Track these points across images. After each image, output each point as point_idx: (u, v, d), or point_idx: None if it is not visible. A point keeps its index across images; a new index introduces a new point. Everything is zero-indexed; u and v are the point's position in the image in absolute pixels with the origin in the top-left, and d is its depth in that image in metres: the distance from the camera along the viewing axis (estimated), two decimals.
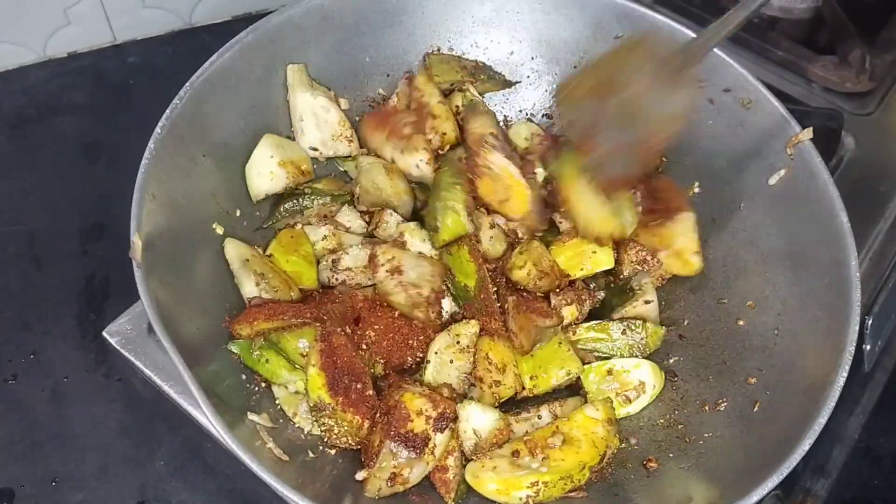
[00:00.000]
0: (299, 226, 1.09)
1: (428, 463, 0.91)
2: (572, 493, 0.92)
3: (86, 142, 1.33)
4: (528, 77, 1.24)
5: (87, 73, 1.42)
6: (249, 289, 0.99)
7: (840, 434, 1.12)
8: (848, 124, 1.28)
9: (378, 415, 0.93)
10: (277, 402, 0.96)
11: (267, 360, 0.96)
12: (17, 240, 1.22)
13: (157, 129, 0.93)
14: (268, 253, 1.06)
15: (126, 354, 1.05)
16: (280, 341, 0.95)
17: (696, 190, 1.15)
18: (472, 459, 0.94)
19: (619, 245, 1.12)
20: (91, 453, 1.05)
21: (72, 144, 1.33)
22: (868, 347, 1.13)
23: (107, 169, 1.30)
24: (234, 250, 1.02)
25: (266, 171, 1.08)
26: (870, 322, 1.12)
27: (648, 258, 1.10)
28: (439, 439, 0.91)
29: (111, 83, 1.41)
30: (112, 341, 1.06)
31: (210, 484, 1.04)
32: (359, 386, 0.94)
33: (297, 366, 0.96)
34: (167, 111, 0.95)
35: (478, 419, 0.95)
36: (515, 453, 0.93)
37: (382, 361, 1.00)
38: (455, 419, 0.94)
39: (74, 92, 1.39)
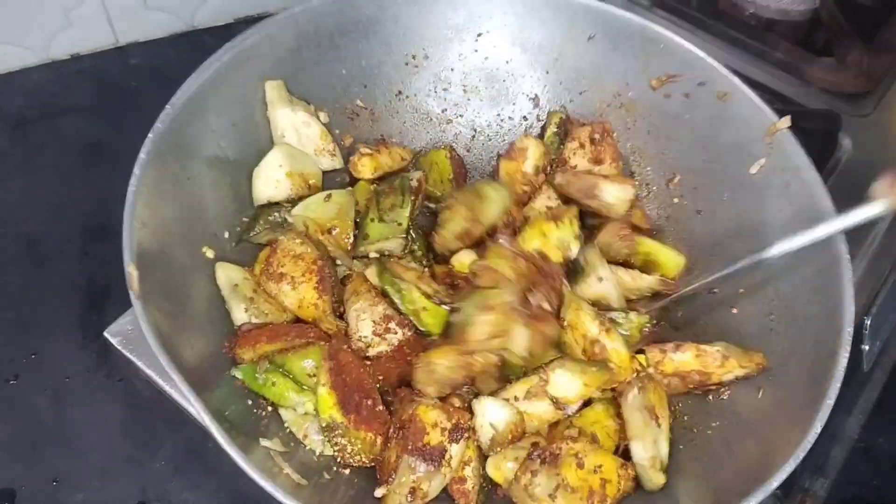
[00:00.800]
0: (281, 237, 1.06)
1: (445, 475, 0.91)
2: None
3: (88, 143, 1.34)
4: (504, 81, 1.25)
5: (89, 74, 1.43)
6: (239, 315, 0.99)
7: (839, 434, 1.12)
8: (846, 125, 1.28)
9: (392, 430, 0.93)
10: (286, 425, 0.95)
11: (273, 384, 0.94)
12: (18, 240, 1.22)
13: (142, 155, 0.92)
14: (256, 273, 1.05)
15: (127, 355, 1.05)
16: (286, 363, 0.94)
17: (677, 181, 1.16)
18: (489, 455, 0.95)
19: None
20: (92, 453, 1.05)
21: (74, 145, 1.33)
22: (867, 348, 1.13)
23: (108, 170, 1.30)
24: (224, 275, 1.01)
25: (272, 179, 1.07)
26: (868, 322, 1.12)
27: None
28: (455, 450, 0.91)
29: (113, 85, 1.42)
30: (113, 342, 1.07)
31: (211, 483, 1.04)
32: (369, 402, 0.93)
33: (304, 387, 0.94)
34: (149, 135, 0.94)
35: (493, 413, 0.96)
36: (535, 445, 0.93)
37: (381, 378, 0.99)
38: (470, 429, 0.94)
39: (77, 93, 1.40)
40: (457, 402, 0.97)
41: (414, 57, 1.21)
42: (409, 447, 0.89)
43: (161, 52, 1.47)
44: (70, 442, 1.06)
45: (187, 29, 1.50)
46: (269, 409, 0.96)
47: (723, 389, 1.00)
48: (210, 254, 1.01)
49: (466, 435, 0.92)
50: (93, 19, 1.40)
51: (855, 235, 0.98)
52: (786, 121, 1.05)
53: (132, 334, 1.07)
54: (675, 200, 1.18)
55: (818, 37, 1.46)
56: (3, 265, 1.20)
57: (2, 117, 1.35)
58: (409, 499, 0.89)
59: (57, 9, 1.36)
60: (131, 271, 0.85)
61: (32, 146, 1.33)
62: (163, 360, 0.82)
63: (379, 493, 0.90)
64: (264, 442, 0.89)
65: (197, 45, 1.48)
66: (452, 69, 1.23)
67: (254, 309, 0.99)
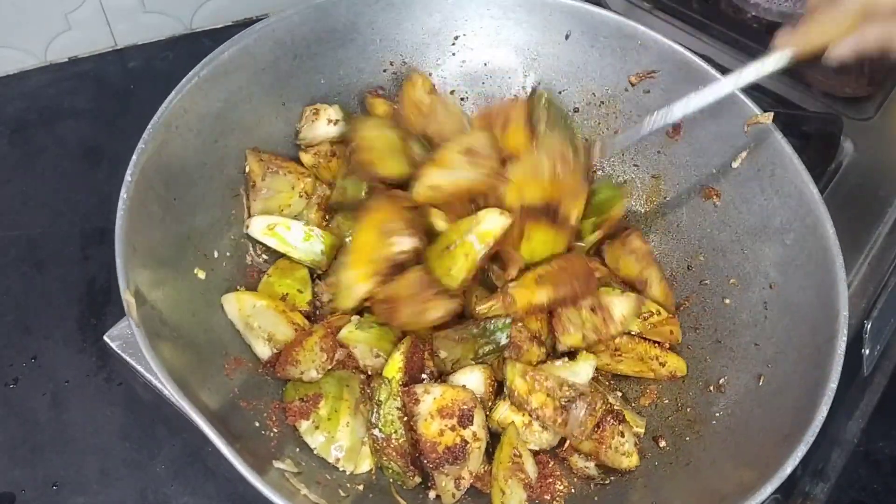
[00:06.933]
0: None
1: (479, 447, 0.93)
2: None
3: (87, 146, 1.34)
4: (483, 83, 1.24)
5: (88, 77, 1.42)
6: (260, 350, 1.01)
7: (839, 438, 1.12)
8: (847, 129, 1.28)
9: (414, 452, 0.95)
10: (315, 450, 0.94)
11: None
12: (18, 244, 1.22)
13: (127, 177, 0.90)
14: (267, 273, 1.07)
15: (127, 359, 1.05)
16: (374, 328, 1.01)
17: (662, 178, 1.18)
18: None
19: None
20: (92, 457, 1.05)
21: (73, 149, 1.33)
22: (867, 351, 1.13)
23: (108, 173, 1.31)
24: (234, 310, 1.00)
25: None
26: (868, 326, 1.12)
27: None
28: (473, 427, 0.93)
29: (112, 88, 1.42)
30: (113, 345, 1.06)
31: (210, 487, 1.04)
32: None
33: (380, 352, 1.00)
34: (133, 157, 0.91)
35: (468, 380, 0.99)
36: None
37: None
38: (475, 401, 0.95)
39: (75, 96, 1.39)
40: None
41: (392, 63, 1.20)
42: (431, 466, 0.92)
43: (160, 54, 1.47)
44: (69, 446, 1.05)
45: (186, 31, 1.50)
46: (275, 431, 0.94)
47: (721, 380, 1.01)
48: (202, 275, 1.00)
49: (473, 404, 0.94)
50: (91, 22, 1.40)
51: (856, 238, 0.98)
52: (768, 116, 1.05)
53: (132, 338, 1.04)
54: (661, 196, 1.18)
55: None
56: (2, 268, 1.19)
57: (0, 121, 1.35)
58: (458, 487, 0.92)
59: (55, 12, 1.36)
60: (128, 299, 0.83)
61: (31, 149, 1.32)
62: (172, 389, 0.80)
63: (432, 495, 0.94)
64: (278, 464, 0.88)
65: (195, 47, 1.48)
66: (430, 74, 1.22)
67: (274, 341, 1.00)
